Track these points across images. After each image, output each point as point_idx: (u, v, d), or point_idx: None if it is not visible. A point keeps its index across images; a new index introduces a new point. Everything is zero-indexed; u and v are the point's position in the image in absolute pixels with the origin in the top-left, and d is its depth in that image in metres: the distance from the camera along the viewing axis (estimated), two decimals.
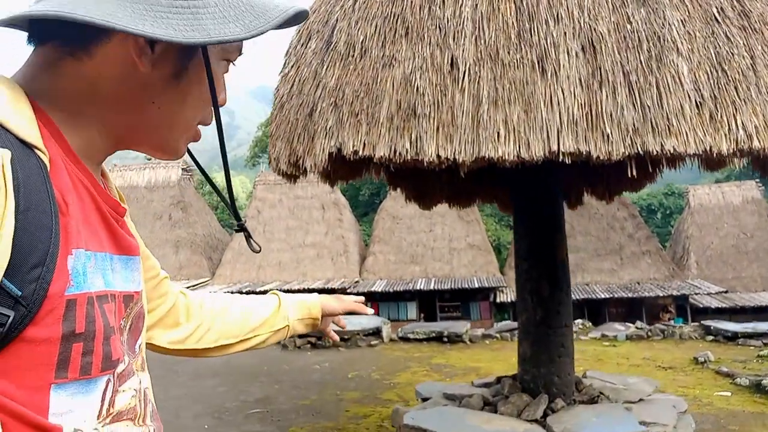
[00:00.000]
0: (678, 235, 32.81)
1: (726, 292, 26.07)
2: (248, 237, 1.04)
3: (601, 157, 3.53)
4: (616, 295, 24.65)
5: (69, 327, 0.66)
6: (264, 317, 1.30)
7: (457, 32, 3.88)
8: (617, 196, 7.49)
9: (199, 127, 0.90)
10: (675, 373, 10.20)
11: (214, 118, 0.87)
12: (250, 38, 0.75)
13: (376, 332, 14.58)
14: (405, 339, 14.50)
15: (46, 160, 0.68)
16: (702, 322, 15.42)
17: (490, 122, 3.62)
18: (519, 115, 3.62)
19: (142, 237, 0.96)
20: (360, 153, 3.91)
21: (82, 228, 0.71)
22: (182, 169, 32.96)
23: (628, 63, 3.67)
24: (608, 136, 3.52)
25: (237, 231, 0.98)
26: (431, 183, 7.33)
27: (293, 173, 4.83)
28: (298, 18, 0.81)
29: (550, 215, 5.68)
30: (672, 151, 3.47)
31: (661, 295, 24.61)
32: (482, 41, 3.83)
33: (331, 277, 28.65)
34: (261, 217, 31.37)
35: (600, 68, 3.69)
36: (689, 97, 3.59)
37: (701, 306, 25.54)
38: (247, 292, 27.33)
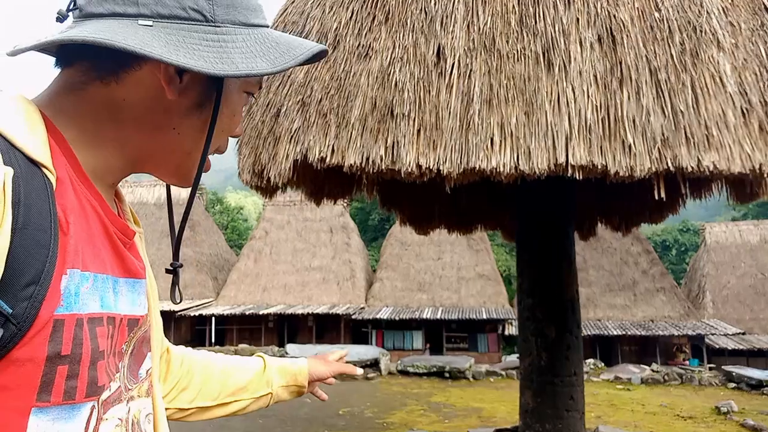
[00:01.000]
0: (693, 272, 32.54)
1: (743, 333, 25.36)
2: (174, 283, 0.93)
3: (621, 173, 2.80)
4: (629, 333, 23.95)
5: (55, 348, 0.64)
6: (246, 380, 1.25)
7: (446, 17, 3.20)
8: (635, 227, 6.74)
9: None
10: (695, 424, 9.32)
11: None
12: (276, 73, 0.81)
13: (374, 364, 13.80)
14: (404, 372, 13.71)
15: (53, 179, 0.68)
16: (723, 367, 14.50)
17: (483, 126, 2.93)
18: (518, 117, 2.92)
19: (150, 254, 0.95)
20: (327, 160, 3.25)
21: (83, 248, 0.70)
22: None
23: (656, 58, 2.97)
24: (630, 146, 2.80)
25: (167, 272, 0.90)
26: (428, 206, 6.67)
27: (259, 185, 4.16)
28: (319, 56, 0.85)
29: (559, 245, 4.94)
30: (712, 169, 2.74)
31: (676, 334, 23.89)
32: (475, 28, 3.14)
33: (337, 302, 28.60)
34: (268, 238, 31.64)
35: (621, 63, 2.98)
36: (733, 102, 2.87)
37: (717, 347, 24.92)
38: (251, 315, 27.39)
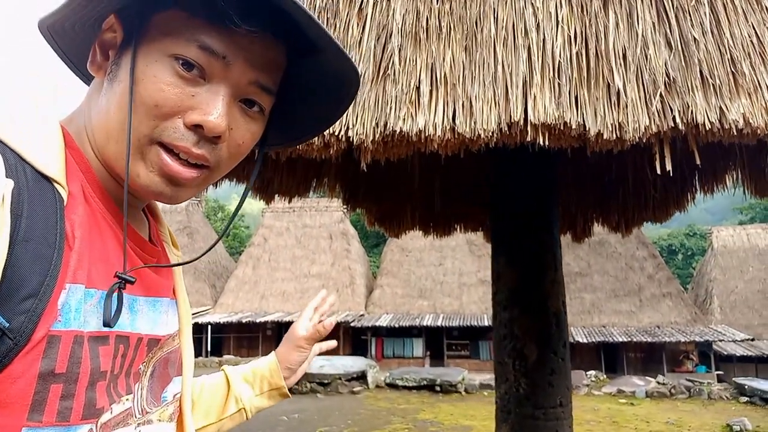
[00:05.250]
0: (700, 277, 32.35)
1: (752, 339, 24.73)
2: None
3: (606, 136, 1.89)
4: (634, 339, 23.33)
5: (48, 365, 0.60)
6: (211, 407, 1.16)
7: None
8: (636, 227, 5.81)
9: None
10: None
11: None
12: None
13: (361, 377, 12.89)
14: (393, 386, 12.80)
15: (64, 194, 0.66)
16: (734, 379, 13.54)
17: (404, 72, 2.03)
18: (455, 58, 2.02)
19: None
20: None
21: (91, 264, 0.67)
22: None
23: None
24: (620, 94, 1.89)
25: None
26: (398, 204, 5.78)
27: None
28: None
29: (542, 246, 4.02)
30: (742, 125, 1.82)
31: (683, 340, 23.35)
32: None
33: (336, 310, 27.86)
34: (267, 245, 31.58)
35: None
36: None
37: (725, 353, 24.45)
38: (248, 323, 26.83)
